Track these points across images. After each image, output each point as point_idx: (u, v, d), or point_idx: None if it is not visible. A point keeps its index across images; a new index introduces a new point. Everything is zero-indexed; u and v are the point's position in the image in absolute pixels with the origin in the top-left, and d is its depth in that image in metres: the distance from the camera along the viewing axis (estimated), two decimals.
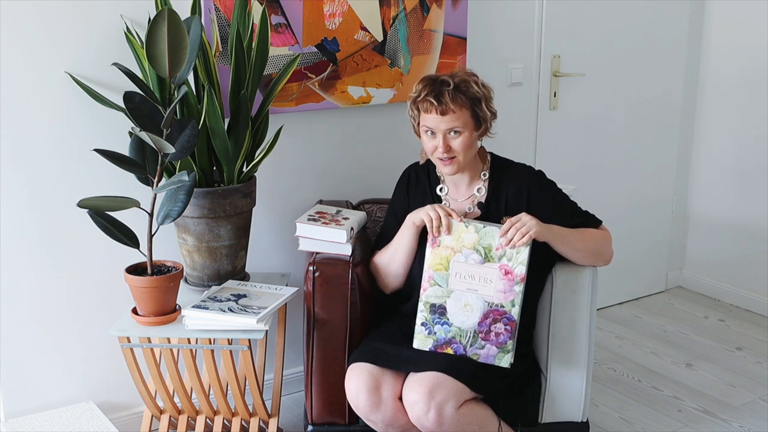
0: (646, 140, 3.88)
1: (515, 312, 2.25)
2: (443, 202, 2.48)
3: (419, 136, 2.42)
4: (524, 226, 2.24)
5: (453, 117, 2.30)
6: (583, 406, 2.48)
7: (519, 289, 2.24)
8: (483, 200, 2.45)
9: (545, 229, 2.28)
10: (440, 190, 2.50)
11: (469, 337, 2.27)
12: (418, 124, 2.39)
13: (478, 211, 2.45)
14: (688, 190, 4.12)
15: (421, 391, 2.17)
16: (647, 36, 3.73)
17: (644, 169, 3.91)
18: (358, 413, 2.29)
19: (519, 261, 2.24)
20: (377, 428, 2.30)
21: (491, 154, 2.52)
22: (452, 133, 2.31)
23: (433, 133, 2.33)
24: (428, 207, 2.33)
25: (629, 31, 3.66)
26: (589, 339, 2.46)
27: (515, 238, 2.23)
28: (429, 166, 2.54)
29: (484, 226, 2.26)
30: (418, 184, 2.52)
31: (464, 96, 2.31)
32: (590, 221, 2.47)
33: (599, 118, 3.69)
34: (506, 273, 2.24)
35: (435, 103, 2.29)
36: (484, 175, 2.46)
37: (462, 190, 2.48)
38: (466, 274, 2.26)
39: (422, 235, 2.37)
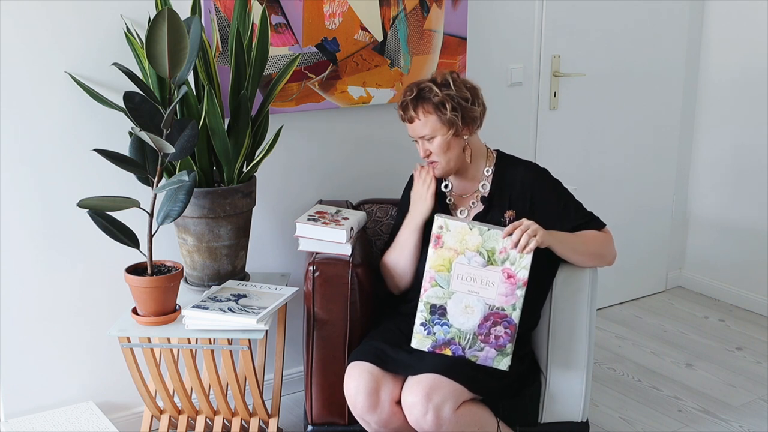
0: (646, 140, 3.88)
1: (516, 315, 2.25)
2: (447, 198, 2.50)
3: None
4: (529, 229, 2.24)
5: (420, 124, 2.36)
6: (583, 406, 2.48)
7: (520, 293, 2.24)
8: (486, 195, 2.45)
9: (548, 235, 2.28)
10: (445, 186, 2.51)
11: (469, 338, 2.27)
12: None
13: (481, 206, 2.45)
14: (688, 190, 4.12)
15: (419, 393, 2.17)
16: (647, 36, 3.73)
17: (644, 169, 3.91)
18: (353, 412, 2.29)
19: (522, 265, 2.23)
20: (369, 428, 2.30)
21: (498, 151, 2.52)
22: (427, 140, 2.38)
23: (415, 140, 2.42)
24: (414, 192, 2.46)
25: (629, 31, 3.66)
26: (589, 339, 2.46)
27: (522, 241, 2.22)
28: None
29: (489, 229, 2.25)
30: None
31: (426, 103, 2.34)
32: (594, 223, 2.46)
33: (599, 118, 3.69)
34: (509, 276, 2.24)
35: (402, 113, 2.39)
36: (488, 171, 2.47)
37: (466, 185, 2.49)
38: (468, 276, 2.25)
39: (426, 236, 2.38)
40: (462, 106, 2.34)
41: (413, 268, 2.45)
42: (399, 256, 2.46)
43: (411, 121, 2.37)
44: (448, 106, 2.32)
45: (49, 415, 2.56)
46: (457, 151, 2.40)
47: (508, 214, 2.40)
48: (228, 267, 2.50)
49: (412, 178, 2.58)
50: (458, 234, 2.25)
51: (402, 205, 2.58)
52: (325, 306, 2.41)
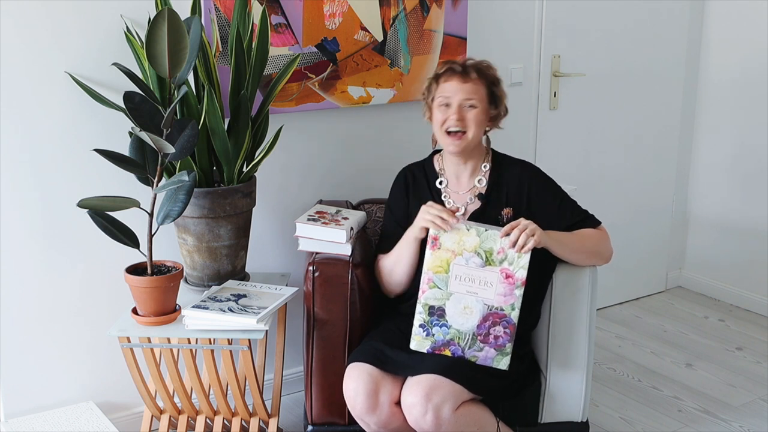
0: (646, 140, 3.88)
1: (515, 315, 2.25)
2: (443, 195, 2.49)
3: (429, 117, 2.44)
4: (527, 228, 2.23)
5: (472, 88, 2.37)
6: (583, 406, 2.48)
7: (519, 293, 2.24)
8: (483, 192, 2.45)
9: (545, 235, 2.28)
10: (440, 183, 2.50)
11: (468, 339, 2.27)
12: (432, 99, 2.42)
13: (478, 202, 2.45)
14: (688, 190, 4.12)
15: (419, 394, 2.17)
16: (647, 36, 3.73)
17: (644, 169, 3.91)
18: (353, 413, 2.28)
19: (520, 265, 2.23)
20: (368, 429, 2.29)
21: (492, 149, 2.52)
22: (468, 106, 2.37)
23: (448, 105, 2.38)
24: (422, 212, 2.30)
25: (629, 31, 3.66)
26: (588, 339, 2.46)
27: (520, 240, 2.22)
28: (425, 163, 2.55)
29: (486, 230, 2.25)
30: (416, 183, 2.52)
31: (484, 74, 2.42)
32: (589, 221, 2.46)
33: (599, 118, 3.69)
34: (507, 277, 2.24)
35: (458, 70, 2.40)
36: (485, 167, 2.47)
37: (463, 181, 2.48)
38: (467, 277, 2.25)
39: (423, 239, 2.37)
40: (503, 98, 2.46)
41: (409, 277, 2.42)
42: (395, 266, 2.43)
43: (465, 81, 2.38)
44: (501, 86, 2.45)
45: (49, 415, 2.56)
46: (481, 132, 2.43)
47: (506, 211, 2.40)
48: (228, 267, 2.50)
49: (398, 178, 2.57)
50: (455, 235, 2.25)
51: (390, 204, 2.57)
52: (325, 306, 2.41)
